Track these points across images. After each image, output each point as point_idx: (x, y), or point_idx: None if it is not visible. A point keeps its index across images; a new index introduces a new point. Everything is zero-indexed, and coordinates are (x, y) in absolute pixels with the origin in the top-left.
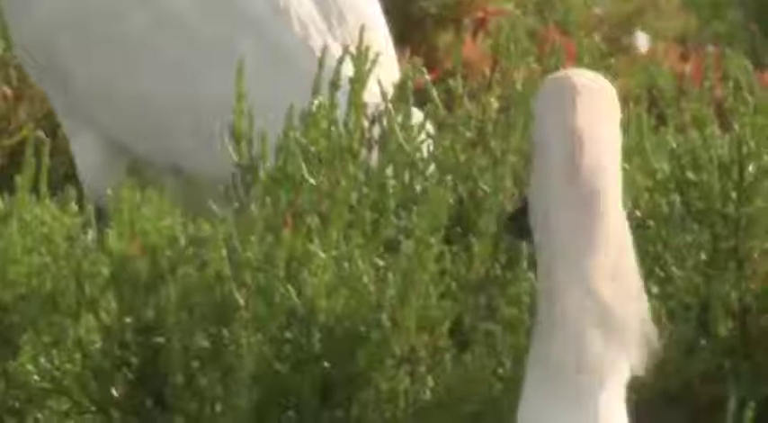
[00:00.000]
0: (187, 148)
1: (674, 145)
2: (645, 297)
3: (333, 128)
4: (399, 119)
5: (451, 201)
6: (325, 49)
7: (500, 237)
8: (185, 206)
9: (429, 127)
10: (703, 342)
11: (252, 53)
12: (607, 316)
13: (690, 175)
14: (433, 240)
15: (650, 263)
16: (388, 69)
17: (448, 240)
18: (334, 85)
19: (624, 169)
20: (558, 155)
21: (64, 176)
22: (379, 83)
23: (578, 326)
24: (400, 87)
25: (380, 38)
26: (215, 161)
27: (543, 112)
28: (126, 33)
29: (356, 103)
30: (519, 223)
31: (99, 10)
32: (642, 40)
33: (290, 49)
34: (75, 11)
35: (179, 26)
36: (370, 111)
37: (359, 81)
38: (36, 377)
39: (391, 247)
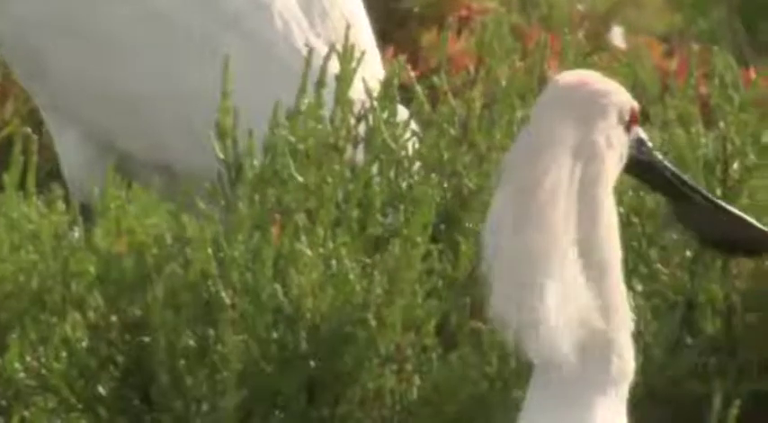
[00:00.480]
0: (174, 144)
1: (659, 142)
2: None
3: (319, 126)
4: (385, 116)
5: (437, 198)
6: (308, 47)
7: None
8: (172, 203)
9: (414, 124)
10: (689, 340)
11: (233, 50)
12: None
13: None
14: (419, 239)
15: (635, 260)
16: (372, 66)
17: (434, 238)
18: (320, 84)
19: None
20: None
21: (49, 174)
22: (364, 80)
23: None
24: (386, 85)
25: (364, 35)
26: (203, 158)
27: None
28: (110, 31)
29: (342, 100)
30: (678, 216)
31: (82, 6)
32: (618, 36)
33: (272, 46)
34: (58, 8)
35: (162, 22)
36: (355, 108)
37: (345, 79)
38: (23, 375)
39: (378, 246)
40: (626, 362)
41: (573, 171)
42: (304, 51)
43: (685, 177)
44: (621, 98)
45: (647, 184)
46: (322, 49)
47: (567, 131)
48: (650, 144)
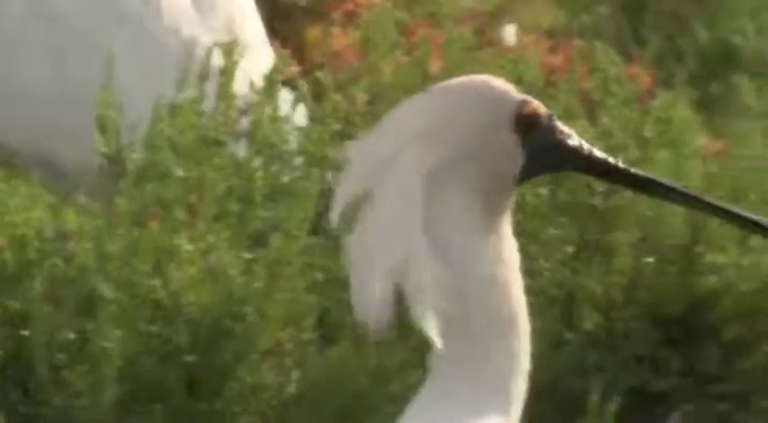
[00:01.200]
0: (61, 140)
1: None
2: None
3: (201, 120)
4: (268, 111)
5: (319, 193)
6: (196, 41)
7: None
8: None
9: (297, 119)
10: (569, 335)
11: (123, 46)
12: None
13: None
14: (299, 233)
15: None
16: (261, 61)
17: (316, 232)
18: (202, 77)
19: None
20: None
21: None
22: (250, 74)
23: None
24: (269, 80)
25: (254, 29)
26: (86, 153)
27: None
28: (3, 29)
29: (225, 94)
30: None
31: None
32: (510, 33)
33: (161, 42)
34: None
35: (53, 16)
36: (239, 102)
37: (228, 73)
38: None
39: (258, 240)
40: (511, 360)
41: (421, 162)
42: (193, 46)
43: (614, 160)
44: (505, 99)
45: (579, 172)
46: (210, 43)
47: (424, 127)
48: (561, 136)
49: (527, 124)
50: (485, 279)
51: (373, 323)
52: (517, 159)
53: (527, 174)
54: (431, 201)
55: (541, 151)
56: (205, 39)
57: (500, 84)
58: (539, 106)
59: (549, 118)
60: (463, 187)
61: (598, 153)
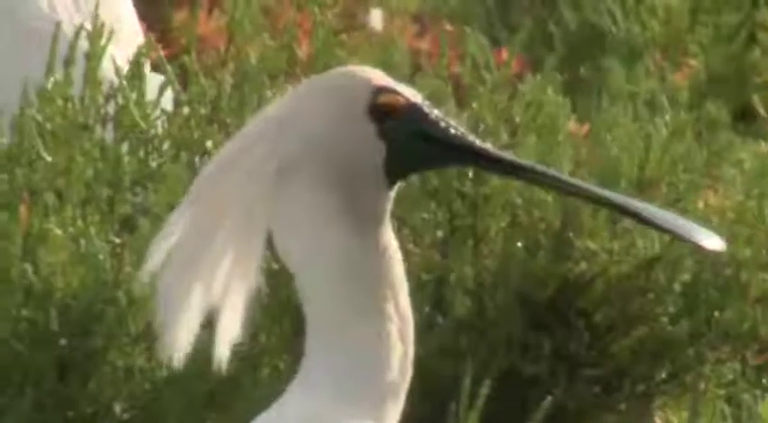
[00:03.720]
0: None
1: None
2: None
3: (69, 104)
4: (134, 95)
5: (186, 177)
6: (67, 24)
7: None
8: None
9: (164, 103)
10: (440, 319)
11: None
12: None
13: None
14: (168, 217)
15: None
16: (130, 44)
17: None
18: (69, 62)
19: None
20: None
21: None
22: (120, 59)
23: None
24: (135, 64)
25: (124, 13)
26: None
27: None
28: None
29: (92, 79)
30: None
31: None
32: (376, 18)
33: (38, 26)
34: None
35: None
36: (106, 87)
37: (94, 57)
38: None
39: (128, 225)
40: (381, 352)
41: (271, 155)
42: (69, 30)
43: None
44: (361, 88)
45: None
46: (80, 27)
47: (279, 120)
48: (425, 124)
49: (383, 113)
50: (334, 274)
51: (175, 350)
52: (376, 151)
53: (395, 168)
54: (280, 196)
55: (403, 141)
56: (76, 22)
57: (363, 72)
58: (397, 94)
59: (411, 106)
60: (315, 183)
61: (476, 142)
